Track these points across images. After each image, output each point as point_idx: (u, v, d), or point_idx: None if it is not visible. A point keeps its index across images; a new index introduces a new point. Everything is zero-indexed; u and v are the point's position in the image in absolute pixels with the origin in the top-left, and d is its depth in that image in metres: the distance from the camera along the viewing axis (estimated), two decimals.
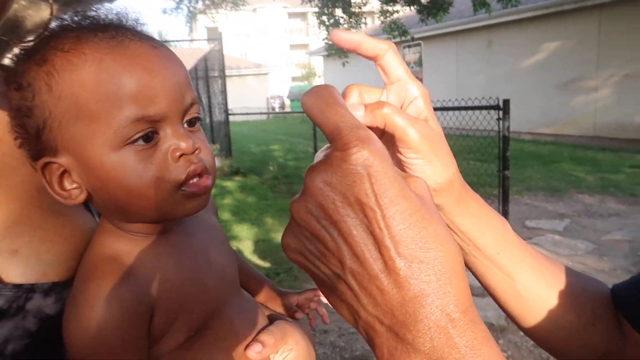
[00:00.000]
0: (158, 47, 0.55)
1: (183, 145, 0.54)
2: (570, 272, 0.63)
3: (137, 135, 0.52)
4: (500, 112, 4.78)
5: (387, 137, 0.48)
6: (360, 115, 0.45)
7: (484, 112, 5.29)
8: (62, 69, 0.51)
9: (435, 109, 5.36)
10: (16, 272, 0.53)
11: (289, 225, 0.36)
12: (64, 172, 0.54)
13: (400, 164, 0.49)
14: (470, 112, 5.59)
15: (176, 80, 0.55)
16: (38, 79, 0.51)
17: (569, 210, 5.76)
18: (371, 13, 12.71)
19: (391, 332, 0.31)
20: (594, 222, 5.23)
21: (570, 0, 10.04)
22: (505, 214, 4.87)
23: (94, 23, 0.54)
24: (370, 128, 0.40)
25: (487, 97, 5.39)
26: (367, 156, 0.32)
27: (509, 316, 0.62)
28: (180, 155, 0.54)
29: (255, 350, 0.62)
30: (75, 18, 0.55)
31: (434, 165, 0.49)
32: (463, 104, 5.48)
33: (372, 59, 0.50)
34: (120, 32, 0.53)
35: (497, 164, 4.95)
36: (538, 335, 0.62)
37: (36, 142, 0.53)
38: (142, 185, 0.53)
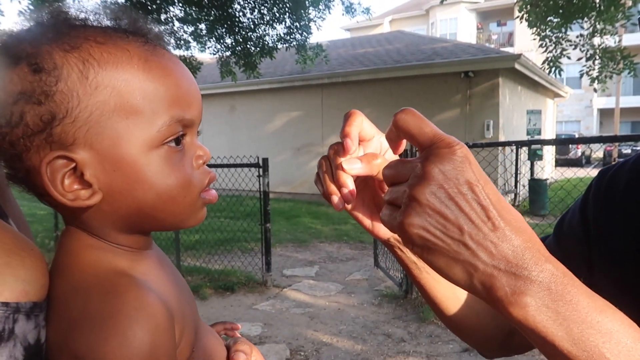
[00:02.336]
0: (177, 59, 0.56)
1: (203, 153, 0.56)
2: None
3: (174, 137, 0.52)
4: (261, 170, 5.18)
5: (367, 188, 0.61)
6: (358, 167, 0.55)
7: (239, 170, 5.65)
8: (104, 60, 0.48)
9: None
10: None
11: (410, 207, 0.43)
12: (73, 169, 0.48)
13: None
14: (226, 171, 5.90)
15: (200, 93, 0.57)
16: (68, 65, 0.47)
17: (316, 257, 6.49)
18: None
19: (509, 274, 0.41)
20: (338, 266, 6.01)
21: (299, 78, 11.67)
22: (268, 264, 5.19)
23: (117, 24, 0.52)
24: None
25: (240, 156, 5.78)
26: (466, 151, 0.44)
27: (445, 321, 0.75)
28: (202, 163, 0.55)
29: (242, 358, 0.64)
30: (92, 14, 0.52)
31: None
32: (216, 161, 5.73)
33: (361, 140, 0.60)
34: (149, 39, 0.53)
35: (259, 219, 5.27)
36: (468, 329, 0.76)
37: (41, 134, 0.47)
38: (175, 186, 0.52)
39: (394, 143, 0.53)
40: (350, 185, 0.55)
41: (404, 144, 0.53)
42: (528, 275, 0.41)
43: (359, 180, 0.60)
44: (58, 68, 0.47)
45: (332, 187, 0.57)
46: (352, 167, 0.54)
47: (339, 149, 0.57)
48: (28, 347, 0.45)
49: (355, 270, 5.78)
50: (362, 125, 0.58)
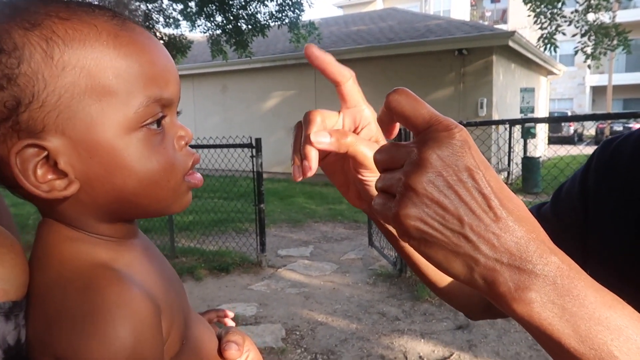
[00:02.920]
0: (150, 33, 0.52)
1: (185, 133, 0.52)
2: None
3: (154, 118, 0.48)
4: (254, 150, 5.15)
5: (344, 158, 0.57)
6: (326, 141, 0.52)
7: (231, 151, 5.61)
8: (69, 37, 0.44)
9: (191, 146, 5.46)
10: None
11: (406, 197, 0.40)
12: (45, 158, 0.44)
13: (358, 181, 0.58)
14: (219, 151, 5.86)
15: (177, 70, 0.53)
16: (30, 44, 0.43)
17: (311, 237, 6.49)
18: None
19: (512, 267, 0.38)
20: (332, 246, 6.03)
21: (292, 57, 11.52)
22: (262, 244, 5.19)
23: None
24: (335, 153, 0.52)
25: (233, 136, 5.73)
26: (465, 134, 0.41)
27: (431, 286, 0.75)
28: (184, 144, 0.52)
29: (234, 349, 0.61)
30: None
31: None
32: (208, 142, 5.68)
33: (335, 83, 0.57)
34: (117, 14, 0.49)
35: (253, 199, 5.26)
36: (453, 296, 0.76)
37: (6, 122, 0.43)
38: (157, 171, 0.49)
39: (386, 126, 0.49)
40: (312, 158, 0.51)
41: (397, 128, 0.49)
42: (532, 269, 0.38)
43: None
44: (19, 48, 0.43)
45: (296, 157, 0.53)
46: (319, 140, 0.51)
47: (313, 118, 0.54)
48: (8, 349, 0.42)
49: (349, 250, 5.80)
50: (317, 117, 0.55)
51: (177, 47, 8.39)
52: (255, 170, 5.16)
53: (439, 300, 4.03)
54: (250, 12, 7.89)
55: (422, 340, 3.41)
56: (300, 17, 7.90)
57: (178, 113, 0.55)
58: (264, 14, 7.90)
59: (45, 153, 0.44)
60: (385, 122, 0.48)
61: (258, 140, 5.14)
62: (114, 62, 0.46)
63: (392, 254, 4.92)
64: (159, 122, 0.49)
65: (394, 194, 0.42)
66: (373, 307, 4.00)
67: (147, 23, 8.01)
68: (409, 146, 0.42)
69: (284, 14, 7.79)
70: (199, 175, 0.55)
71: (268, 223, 6.98)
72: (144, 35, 0.49)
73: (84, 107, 0.45)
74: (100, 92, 0.45)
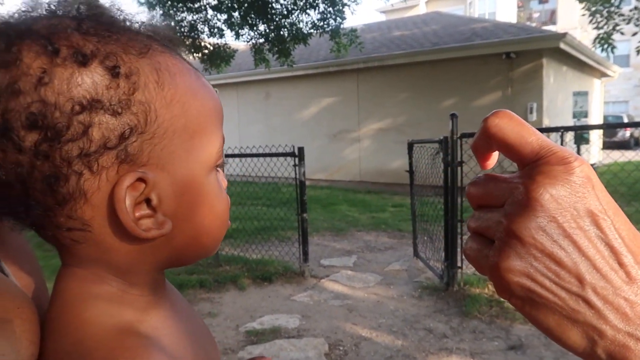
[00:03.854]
0: None
1: (224, 179, 0.51)
2: None
3: (222, 159, 0.48)
4: (296, 159, 5.12)
5: None
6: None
7: (274, 159, 5.62)
8: (172, 70, 0.43)
9: (232, 156, 5.48)
10: None
11: (509, 246, 0.33)
12: (141, 194, 0.41)
13: None
14: (262, 159, 5.87)
15: None
16: (144, 72, 0.40)
17: (354, 247, 6.40)
18: None
19: None
20: (376, 256, 5.91)
21: (334, 64, 11.50)
22: (305, 254, 5.14)
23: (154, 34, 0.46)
24: None
25: (275, 144, 5.72)
26: (588, 169, 0.33)
27: None
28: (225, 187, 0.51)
29: None
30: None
31: None
32: (251, 151, 5.70)
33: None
34: (179, 49, 0.48)
35: (296, 207, 5.23)
36: None
37: (112, 150, 0.39)
38: (224, 210, 0.49)
39: (482, 155, 0.40)
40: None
41: (495, 158, 0.40)
42: None
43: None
44: (135, 74, 0.40)
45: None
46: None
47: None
48: None
49: (394, 260, 5.67)
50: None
51: (222, 56, 8.52)
52: (297, 179, 5.12)
53: (489, 317, 3.85)
54: (292, 21, 7.91)
55: None
56: (341, 25, 7.85)
57: None
58: (306, 23, 7.90)
59: (143, 188, 0.41)
60: (481, 150, 0.39)
61: (301, 149, 5.10)
62: (203, 99, 0.45)
63: (439, 266, 4.76)
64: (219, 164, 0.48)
65: (492, 239, 0.34)
66: (419, 322, 3.86)
67: (193, 33, 8.18)
68: (513, 181, 0.34)
69: (325, 22, 7.77)
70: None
71: (311, 231, 6.93)
72: (201, 75, 0.49)
73: (182, 142, 0.43)
74: (194, 129, 0.44)
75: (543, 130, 5.91)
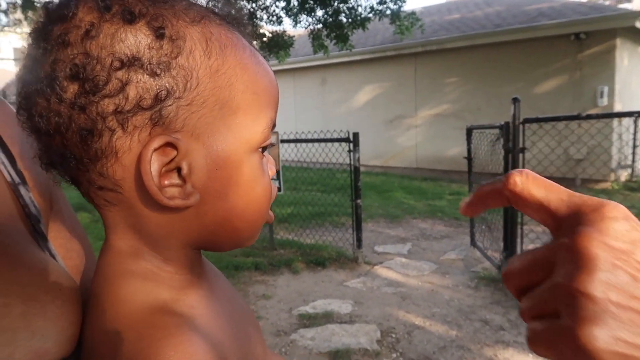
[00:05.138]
0: None
1: (273, 164, 0.49)
2: None
3: (269, 142, 0.46)
4: (351, 145, 5.10)
5: None
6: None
7: (329, 144, 5.62)
8: (224, 42, 0.43)
9: (288, 141, 5.54)
10: (1, 354, 0.35)
11: (581, 308, 0.28)
12: (172, 161, 0.41)
13: None
14: (317, 145, 5.89)
15: None
16: (192, 39, 0.41)
17: (409, 234, 6.32)
18: None
19: None
20: (431, 244, 5.82)
21: (391, 48, 11.29)
22: (359, 240, 5.14)
23: (220, 9, 0.46)
24: None
25: (331, 129, 5.72)
26: (622, 207, 0.31)
27: None
28: (273, 174, 0.49)
29: None
30: None
31: None
32: (306, 137, 5.73)
33: None
34: (243, 27, 0.47)
35: (350, 193, 5.22)
36: None
37: (147, 111, 0.39)
38: (261, 196, 0.47)
39: (475, 207, 0.38)
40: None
41: (481, 210, 0.38)
42: None
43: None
44: (181, 38, 0.40)
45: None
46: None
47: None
48: None
49: (449, 249, 5.56)
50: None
51: (280, 44, 8.57)
52: (352, 164, 5.11)
53: None
54: (350, 5, 7.82)
55: (531, 355, 3.15)
56: (401, 8, 7.68)
57: None
58: (365, 8, 7.79)
59: (174, 155, 0.40)
60: (479, 204, 0.37)
61: (355, 135, 5.07)
62: (255, 77, 0.44)
63: (497, 256, 4.62)
64: (266, 147, 0.47)
65: (555, 313, 0.30)
66: (475, 313, 3.77)
67: (252, 21, 8.28)
68: (553, 244, 0.31)
69: (385, 6, 7.62)
70: (271, 212, 0.51)
71: (365, 218, 6.91)
72: (262, 57, 0.48)
73: (223, 115, 0.42)
74: (239, 103, 0.43)
75: (615, 115, 5.55)
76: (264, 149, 0.46)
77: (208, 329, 0.43)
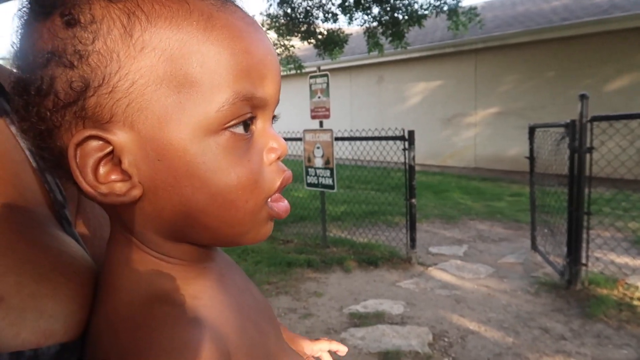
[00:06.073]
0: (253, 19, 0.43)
1: (278, 145, 0.43)
2: None
3: (240, 119, 0.39)
4: (406, 143, 5.00)
5: None
6: None
7: (383, 143, 5.54)
8: (154, 13, 0.37)
9: (342, 139, 5.51)
10: (8, 332, 0.34)
11: None
12: (109, 155, 0.38)
13: None
14: (370, 143, 5.82)
15: (279, 66, 0.43)
16: (110, 18, 0.36)
17: (465, 236, 6.13)
18: None
19: None
20: (489, 247, 5.61)
21: (450, 44, 11.00)
22: (412, 240, 5.04)
23: None
24: None
25: (386, 128, 5.63)
26: None
27: None
28: (275, 158, 0.43)
29: None
30: None
31: None
32: (361, 134, 5.66)
33: None
34: None
35: (405, 193, 5.12)
36: None
37: (72, 106, 0.37)
38: (235, 187, 0.40)
39: None
40: None
41: None
42: None
43: None
44: (96, 21, 0.36)
45: None
46: None
47: None
48: None
49: (508, 253, 5.33)
50: None
51: (335, 41, 8.56)
52: (407, 163, 5.01)
53: (618, 322, 3.46)
54: (407, 2, 7.68)
55: None
56: (459, 4, 7.45)
57: (274, 118, 0.45)
58: (422, 4, 7.63)
59: (110, 149, 0.38)
60: None
61: (411, 133, 4.97)
62: (201, 47, 0.38)
63: (559, 262, 4.38)
64: (247, 126, 0.41)
65: None
66: (534, 320, 3.59)
67: (308, 19, 8.31)
68: None
69: (442, 2, 7.43)
70: (285, 203, 0.45)
71: (420, 218, 6.78)
72: (245, 20, 0.41)
73: (160, 97, 0.37)
74: (180, 81, 0.37)
75: None
76: (246, 127, 0.41)
77: (211, 320, 0.41)
